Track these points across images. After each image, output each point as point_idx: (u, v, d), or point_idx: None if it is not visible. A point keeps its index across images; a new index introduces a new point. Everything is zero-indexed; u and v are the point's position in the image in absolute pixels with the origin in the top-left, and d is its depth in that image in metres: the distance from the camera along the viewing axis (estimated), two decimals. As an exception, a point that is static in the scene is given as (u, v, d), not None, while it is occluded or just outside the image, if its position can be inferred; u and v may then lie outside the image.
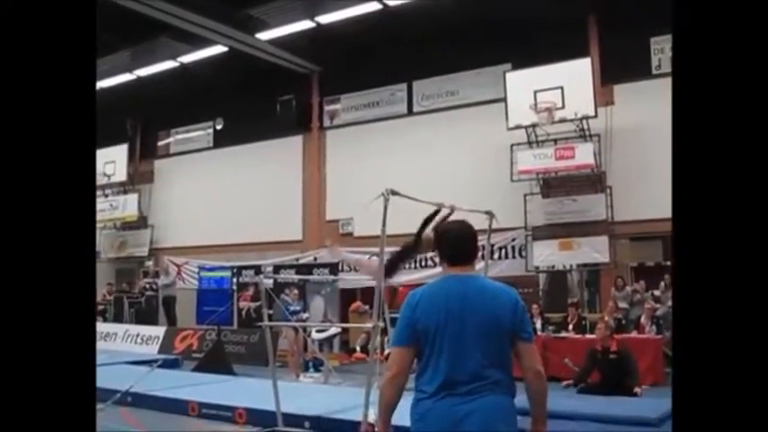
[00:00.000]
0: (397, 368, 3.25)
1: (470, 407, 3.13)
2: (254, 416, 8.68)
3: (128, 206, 23.47)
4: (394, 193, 7.12)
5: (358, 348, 16.33)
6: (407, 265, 9.80)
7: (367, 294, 16.68)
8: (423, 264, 17.06)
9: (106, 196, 24.05)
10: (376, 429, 7.01)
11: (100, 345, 18.02)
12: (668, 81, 3.18)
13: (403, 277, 16.68)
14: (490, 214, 9.45)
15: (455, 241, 3.48)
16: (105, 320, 21.15)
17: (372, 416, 6.92)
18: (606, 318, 11.61)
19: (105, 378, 11.35)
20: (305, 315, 13.92)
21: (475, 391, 3.15)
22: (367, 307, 16.34)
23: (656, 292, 14.32)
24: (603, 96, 15.26)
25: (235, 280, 19.41)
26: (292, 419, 8.24)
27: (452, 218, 7.08)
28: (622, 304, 14.43)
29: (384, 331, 9.26)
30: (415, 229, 7.82)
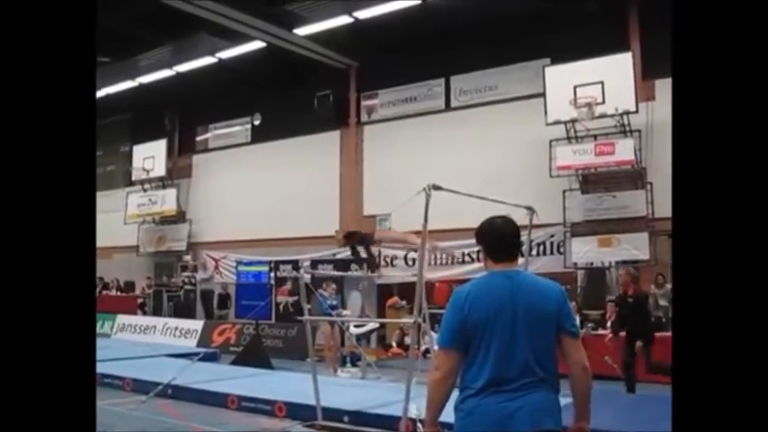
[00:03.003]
0: (447, 369, 3.22)
1: (518, 403, 3.10)
2: (294, 410, 8.71)
3: (166, 201, 23.75)
4: (436, 187, 7.06)
5: (394, 344, 16.35)
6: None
7: (403, 290, 16.71)
8: (459, 260, 17.06)
9: (145, 191, 24.39)
10: (419, 426, 7.05)
11: (140, 337, 18.33)
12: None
13: (439, 273, 16.74)
14: (531, 210, 9.38)
15: (499, 237, 3.45)
16: (145, 313, 21.46)
17: (414, 412, 6.91)
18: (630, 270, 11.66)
19: (146, 370, 11.58)
20: (346, 312, 13.95)
21: (522, 388, 3.13)
22: (404, 302, 16.35)
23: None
24: (645, 91, 15.04)
25: (272, 274, 19.52)
26: (332, 414, 8.25)
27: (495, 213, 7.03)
28: (662, 302, 14.24)
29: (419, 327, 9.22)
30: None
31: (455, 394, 3.27)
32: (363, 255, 9.80)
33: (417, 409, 6.91)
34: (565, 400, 3.27)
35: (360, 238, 9.57)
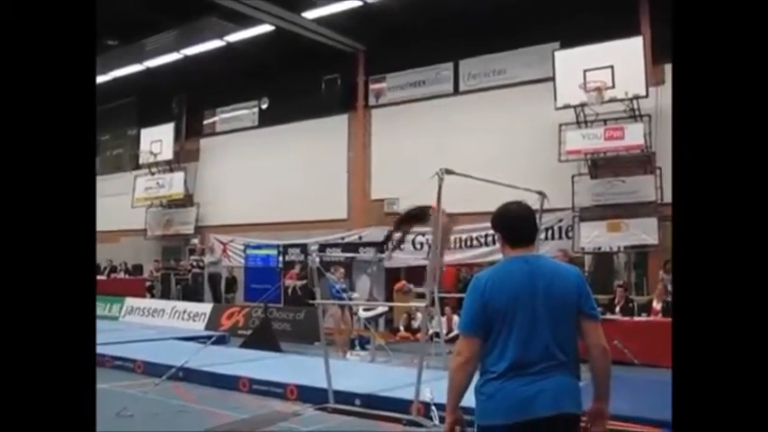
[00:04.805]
0: (469, 354, 3.23)
1: (540, 386, 3.13)
2: (306, 392, 8.75)
3: (174, 184, 23.82)
4: (448, 172, 7.08)
5: (401, 328, 16.38)
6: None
7: (411, 273, 16.71)
8: (468, 244, 17.06)
9: (152, 174, 24.42)
10: (432, 410, 7.09)
11: (148, 320, 18.39)
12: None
13: (448, 257, 16.74)
14: (542, 194, 9.41)
15: (516, 222, 3.47)
16: (153, 297, 21.52)
17: (428, 395, 6.94)
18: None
19: (156, 353, 11.63)
20: (355, 294, 13.96)
21: (543, 371, 3.15)
22: (411, 286, 16.35)
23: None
24: (655, 76, 14.94)
25: (281, 258, 19.53)
26: (343, 397, 8.29)
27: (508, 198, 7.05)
28: (672, 287, 14.24)
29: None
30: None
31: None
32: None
33: (431, 392, 6.95)
34: (582, 383, 3.28)
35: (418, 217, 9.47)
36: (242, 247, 21.72)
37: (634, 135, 14.93)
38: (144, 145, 24.41)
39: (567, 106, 15.53)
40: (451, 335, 14.01)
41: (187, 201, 23.97)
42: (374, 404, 8.10)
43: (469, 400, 3.28)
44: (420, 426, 7.30)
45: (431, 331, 12.66)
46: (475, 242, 16.89)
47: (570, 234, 16.12)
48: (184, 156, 24.45)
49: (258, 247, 21.00)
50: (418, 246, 17.25)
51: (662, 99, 14.78)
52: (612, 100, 14.94)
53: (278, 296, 18.07)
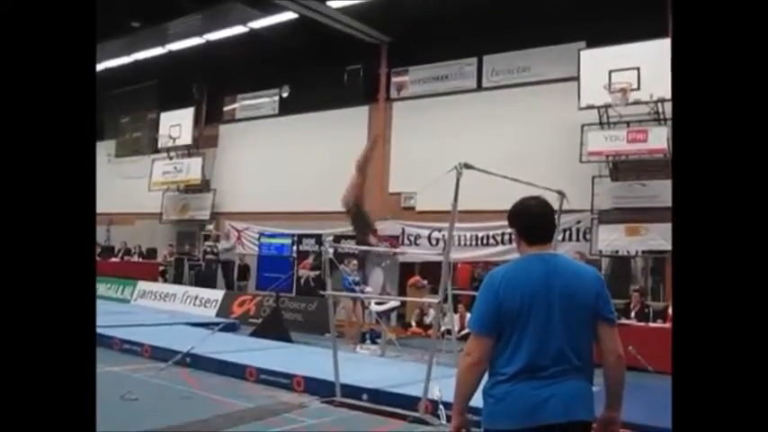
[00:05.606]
0: (479, 355, 3.09)
1: (551, 391, 3.00)
2: (313, 385, 8.66)
3: (191, 169, 23.78)
4: (467, 166, 6.93)
5: (413, 323, 16.28)
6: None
7: (425, 269, 16.61)
8: (484, 242, 16.94)
9: (171, 159, 24.42)
10: (440, 408, 6.97)
11: (160, 304, 18.41)
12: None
13: (462, 254, 16.62)
14: (561, 194, 9.26)
15: (534, 219, 3.32)
16: (165, 281, 21.54)
17: (437, 393, 6.82)
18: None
19: (165, 338, 11.59)
20: (368, 288, 13.88)
21: (556, 375, 3.02)
22: (425, 282, 16.25)
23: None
24: (681, 79, 14.71)
25: (295, 248, 19.47)
26: (351, 391, 8.21)
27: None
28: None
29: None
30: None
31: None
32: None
33: (440, 390, 6.82)
34: (594, 388, 3.15)
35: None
36: (256, 235, 21.67)
37: (657, 138, 14.69)
38: (163, 129, 24.41)
39: (590, 107, 15.33)
40: (463, 332, 13.90)
41: (204, 186, 23.92)
42: (382, 399, 8.00)
43: (477, 400, 3.15)
44: (426, 424, 7.19)
45: (443, 328, 12.57)
46: (491, 240, 16.76)
47: (588, 236, 15.93)
48: (203, 141, 24.40)
49: (273, 235, 20.94)
50: (434, 242, 17.15)
51: (688, 103, 14.51)
52: (637, 102, 14.72)
53: (290, 286, 18.01)
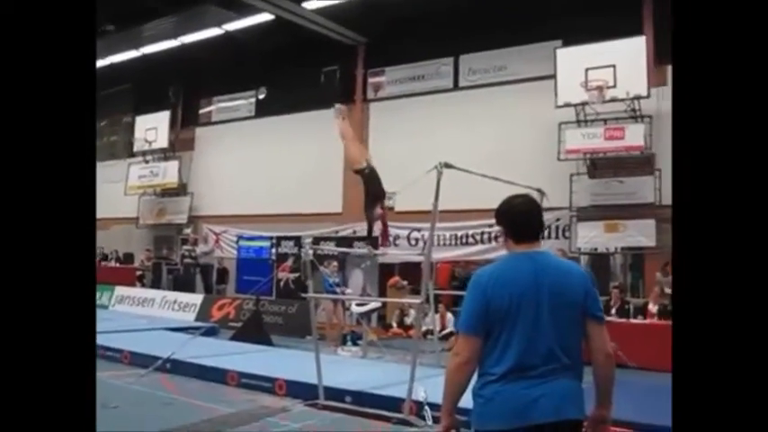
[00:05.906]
0: (468, 355, 3.05)
1: (541, 390, 2.96)
2: (295, 388, 8.59)
3: (168, 173, 23.61)
4: (447, 166, 6.91)
5: (394, 324, 16.24)
6: None
7: (405, 269, 16.58)
8: (463, 241, 16.93)
9: (147, 162, 24.26)
10: (425, 409, 6.92)
11: (138, 310, 18.25)
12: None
13: (442, 254, 16.60)
14: (541, 192, 9.27)
15: (521, 217, 3.28)
16: (143, 286, 21.35)
17: (422, 394, 6.77)
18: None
19: (145, 343, 11.46)
20: (348, 290, 13.83)
21: (546, 374, 2.99)
22: (405, 282, 16.23)
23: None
24: (657, 76, 14.80)
25: (274, 250, 19.38)
26: (333, 393, 8.14)
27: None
28: (668, 290, 14.09)
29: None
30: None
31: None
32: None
33: (425, 391, 6.78)
34: (583, 386, 3.13)
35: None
36: (235, 239, 21.56)
37: (634, 136, 14.80)
38: (139, 132, 24.23)
39: (567, 105, 15.41)
40: (445, 332, 13.90)
41: (181, 190, 23.76)
42: (365, 401, 7.94)
43: (465, 400, 3.10)
44: (411, 425, 7.15)
45: (424, 328, 12.54)
46: (471, 239, 16.75)
47: (567, 234, 15.99)
48: (179, 144, 24.22)
49: (251, 238, 20.83)
50: (413, 242, 17.13)
51: (663, 100, 14.63)
52: (614, 100, 14.81)
53: (270, 288, 17.91)
